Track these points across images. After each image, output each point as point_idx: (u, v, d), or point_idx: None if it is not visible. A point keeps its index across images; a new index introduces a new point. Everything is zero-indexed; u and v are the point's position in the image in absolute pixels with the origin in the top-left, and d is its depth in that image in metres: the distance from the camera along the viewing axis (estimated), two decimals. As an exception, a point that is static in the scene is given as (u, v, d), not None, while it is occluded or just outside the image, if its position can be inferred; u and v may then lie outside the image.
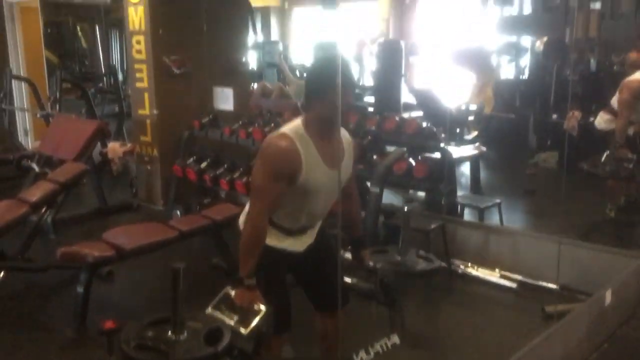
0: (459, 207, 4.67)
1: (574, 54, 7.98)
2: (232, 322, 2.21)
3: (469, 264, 4.17)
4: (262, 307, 2.16)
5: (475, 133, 6.73)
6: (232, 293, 2.21)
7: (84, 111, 7.14)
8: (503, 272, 4.03)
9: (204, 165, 5.06)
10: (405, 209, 3.70)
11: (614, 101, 4.86)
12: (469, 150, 6.08)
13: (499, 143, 7.32)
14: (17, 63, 7.90)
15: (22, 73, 7.86)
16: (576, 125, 5.30)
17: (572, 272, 3.62)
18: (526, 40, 8.89)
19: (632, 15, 8.01)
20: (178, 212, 5.08)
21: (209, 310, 2.26)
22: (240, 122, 5.17)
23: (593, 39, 8.43)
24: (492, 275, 4.05)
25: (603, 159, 4.90)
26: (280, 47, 10.27)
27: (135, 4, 5.38)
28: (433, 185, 4.39)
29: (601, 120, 5.01)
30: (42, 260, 3.98)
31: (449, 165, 4.46)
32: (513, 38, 8.93)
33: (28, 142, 7.93)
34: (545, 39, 7.94)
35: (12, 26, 7.90)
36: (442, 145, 4.50)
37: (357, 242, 2.58)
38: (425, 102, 7.16)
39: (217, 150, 5.22)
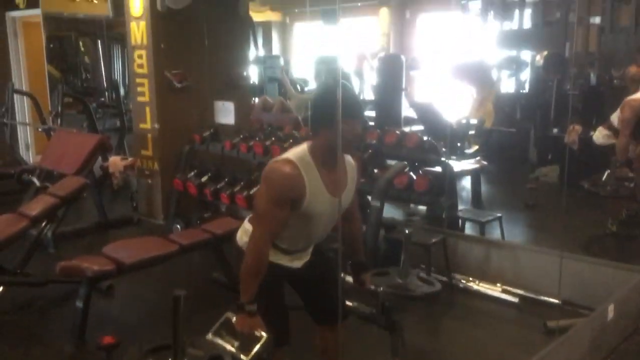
0: (460, 221, 4.66)
1: (573, 68, 7.99)
2: (232, 349, 2.18)
3: (470, 278, 4.15)
4: (263, 334, 2.13)
5: (475, 147, 6.71)
6: (233, 318, 2.19)
7: (86, 125, 7.16)
8: (504, 287, 4.01)
9: (204, 179, 5.06)
10: (407, 231, 3.69)
11: (614, 117, 4.80)
12: (469, 164, 6.07)
13: (499, 157, 7.31)
14: (20, 77, 7.96)
15: (24, 87, 7.91)
16: (577, 140, 5.28)
17: (574, 287, 3.60)
18: (526, 55, 8.92)
19: (632, 30, 8.03)
20: (178, 226, 5.08)
21: (210, 336, 2.24)
22: (241, 136, 5.18)
23: (593, 53, 8.45)
24: (494, 290, 4.03)
25: (604, 178, 4.86)
26: (282, 61, 10.30)
27: (137, 19, 5.42)
28: (434, 199, 4.38)
29: (599, 135, 4.96)
30: (42, 274, 3.97)
31: (449, 179, 4.45)
32: (513, 52, 8.95)
33: (29, 156, 7.95)
34: (545, 53, 7.96)
35: (14, 41, 7.97)
36: (442, 159, 4.50)
37: (359, 265, 2.57)
38: (426, 116, 7.16)
39: (218, 164, 5.22)
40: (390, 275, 3.64)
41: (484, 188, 6.20)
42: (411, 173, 4.40)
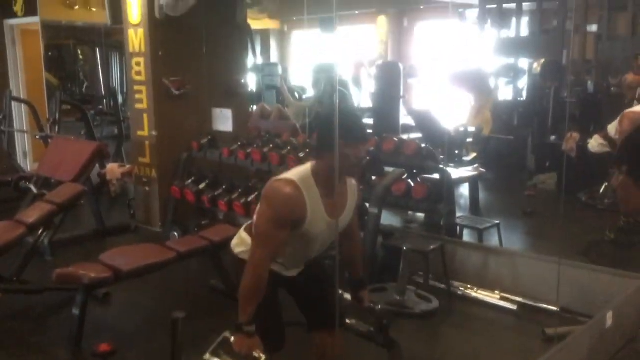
0: (458, 228, 4.65)
1: (571, 76, 8.02)
2: None
3: (469, 286, 4.14)
4: (262, 355, 2.11)
5: (473, 154, 6.72)
6: (231, 338, 2.16)
7: (84, 133, 7.16)
8: (503, 294, 4.00)
9: (202, 186, 5.05)
10: (405, 248, 3.68)
11: (611, 127, 4.75)
12: (467, 171, 6.08)
13: (497, 164, 7.33)
14: (18, 85, 7.96)
15: (22, 95, 7.91)
16: (575, 147, 5.28)
17: (573, 294, 3.59)
18: (524, 62, 8.95)
19: (629, 38, 8.08)
20: (176, 234, 5.07)
21: (207, 356, 2.21)
22: (239, 143, 5.18)
23: (590, 60, 8.49)
24: (492, 297, 4.02)
25: (601, 190, 4.81)
26: (280, 69, 10.33)
27: (135, 26, 5.42)
28: (432, 206, 4.37)
29: (595, 144, 4.92)
30: (39, 282, 3.96)
31: (447, 186, 4.45)
32: (511, 60, 8.99)
33: (27, 163, 7.94)
34: (542, 60, 7.99)
35: (12, 48, 7.97)
36: (441, 166, 4.50)
37: (358, 283, 2.56)
38: (424, 123, 7.18)
39: (216, 171, 5.22)
40: (388, 291, 3.63)
41: (482, 195, 6.21)
42: (409, 180, 4.40)
